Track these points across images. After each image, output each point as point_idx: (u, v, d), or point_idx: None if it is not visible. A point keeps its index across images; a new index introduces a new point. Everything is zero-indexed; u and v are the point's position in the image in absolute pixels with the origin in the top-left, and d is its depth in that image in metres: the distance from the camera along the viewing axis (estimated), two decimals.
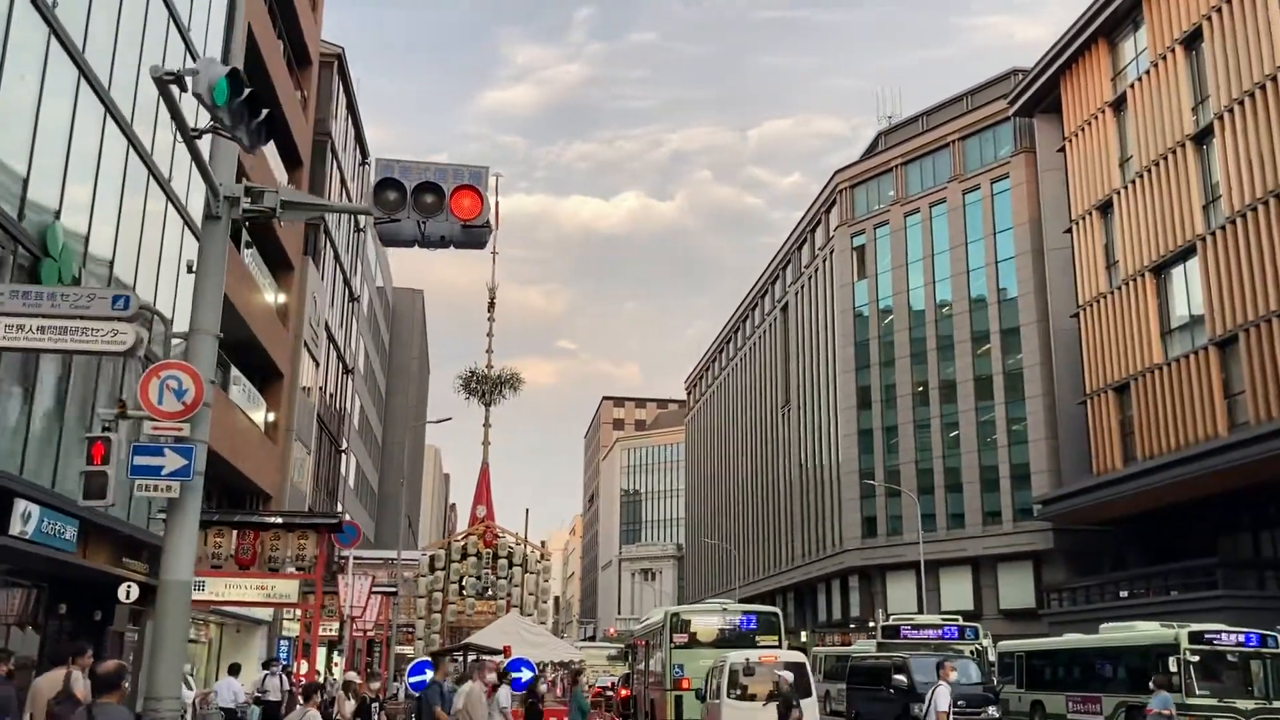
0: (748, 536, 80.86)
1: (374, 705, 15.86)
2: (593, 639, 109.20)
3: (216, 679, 25.30)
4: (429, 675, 16.98)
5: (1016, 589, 49.71)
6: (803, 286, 69.86)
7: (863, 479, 56.61)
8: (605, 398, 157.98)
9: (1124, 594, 41.00)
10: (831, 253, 63.54)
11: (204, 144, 9.73)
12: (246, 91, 8.55)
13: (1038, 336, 49.86)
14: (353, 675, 19.49)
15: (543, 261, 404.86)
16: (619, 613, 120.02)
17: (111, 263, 17.41)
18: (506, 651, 20.16)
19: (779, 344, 74.91)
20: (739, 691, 18.40)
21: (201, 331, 9.77)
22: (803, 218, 70.96)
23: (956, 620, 27.42)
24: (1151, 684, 19.89)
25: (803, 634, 64.39)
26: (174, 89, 8.26)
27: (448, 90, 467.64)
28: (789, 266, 74.18)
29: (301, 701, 12.47)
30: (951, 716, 13.24)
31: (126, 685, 7.14)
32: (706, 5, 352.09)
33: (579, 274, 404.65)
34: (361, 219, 38.08)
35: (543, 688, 19.22)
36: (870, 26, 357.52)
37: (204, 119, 8.54)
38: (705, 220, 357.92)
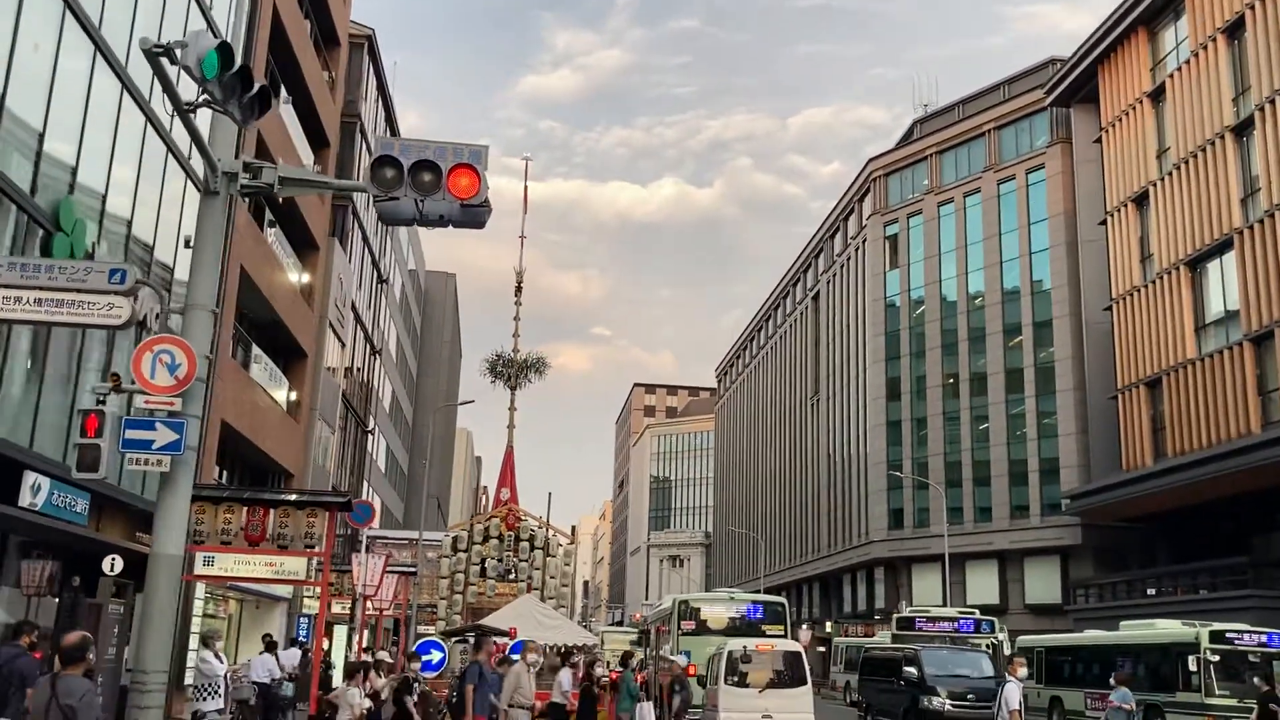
0: (775, 525, 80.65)
1: (415, 685, 15.95)
2: (620, 624, 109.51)
3: (237, 654, 25.65)
4: (436, 656, 17.04)
5: (1043, 584, 49.20)
6: (834, 275, 69.38)
7: (890, 470, 56.21)
8: (636, 384, 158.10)
9: (1151, 591, 40.49)
10: (864, 242, 63.02)
11: (205, 120, 9.74)
12: (238, 65, 8.50)
13: (1070, 330, 49.20)
14: (384, 655, 19.68)
15: (579, 247, 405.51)
16: (646, 598, 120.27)
17: (127, 239, 17.53)
18: (512, 633, 20.22)
19: (809, 333, 74.48)
20: (737, 678, 18.68)
21: (197, 306, 9.73)
22: (836, 206, 70.43)
23: (973, 613, 27.16)
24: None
25: (827, 624, 64.18)
26: (165, 61, 8.22)
27: (487, 74, 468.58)
28: (821, 255, 73.69)
29: (345, 680, 12.77)
30: (1023, 714, 13.09)
31: (91, 657, 7.15)
32: None
33: (615, 260, 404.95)
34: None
35: (599, 670, 19.20)
36: (914, 15, 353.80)
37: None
38: (744, 208, 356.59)
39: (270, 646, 19.36)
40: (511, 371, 45.94)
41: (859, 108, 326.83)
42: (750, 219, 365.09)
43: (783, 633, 22.40)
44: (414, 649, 18.01)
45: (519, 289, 47.09)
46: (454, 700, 14.53)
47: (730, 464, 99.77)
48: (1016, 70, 57.86)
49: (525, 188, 41.40)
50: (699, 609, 23.41)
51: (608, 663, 44.86)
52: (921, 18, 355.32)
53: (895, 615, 28.59)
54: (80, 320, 9.73)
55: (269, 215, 27.34)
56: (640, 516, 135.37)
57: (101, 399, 9.49)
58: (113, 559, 15.09)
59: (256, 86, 8.94)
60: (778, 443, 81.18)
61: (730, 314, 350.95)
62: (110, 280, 9.62)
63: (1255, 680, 21.46)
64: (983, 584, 51.43)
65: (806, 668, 18.65)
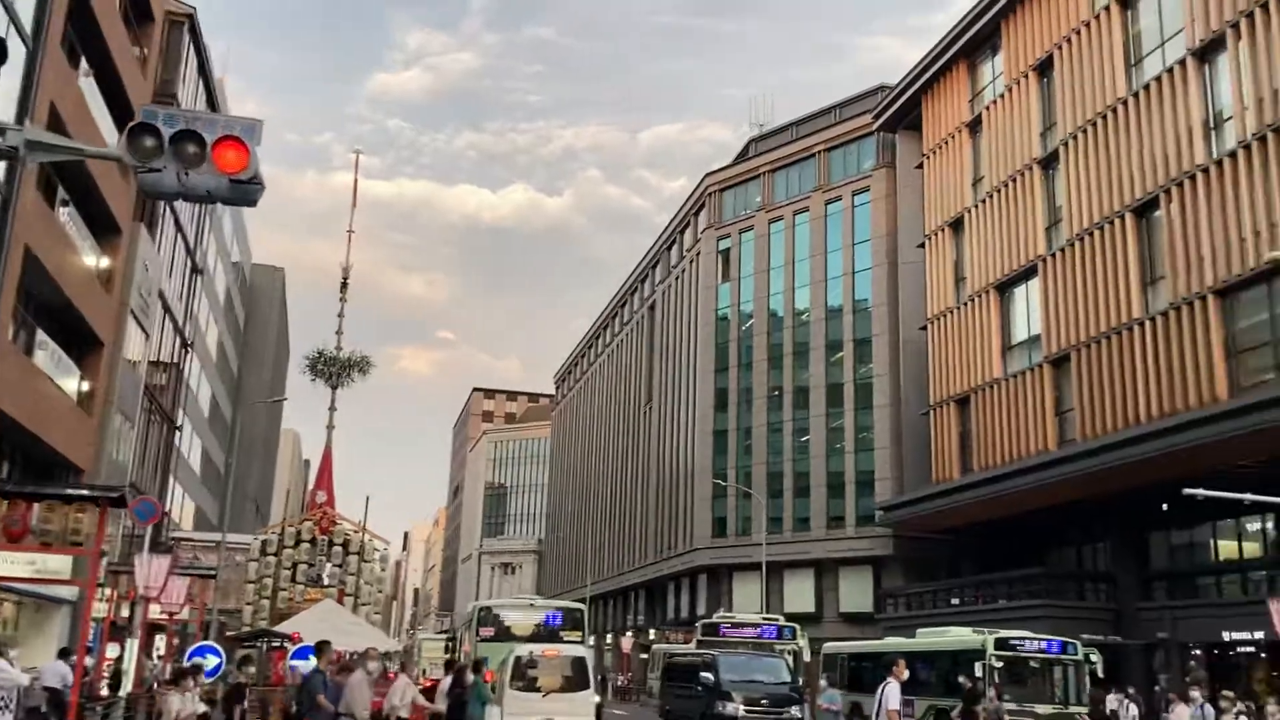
0: (605, 533, 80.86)
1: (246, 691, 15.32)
2: (445, 632, 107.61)
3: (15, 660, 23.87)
4: (212, 661, 16.26)
5: (856, 592, 50.76)
6: (670, 286, 70.19)
7: (715, 479, 57.09)
8: (476, 389, 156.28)
9: (955, 601, 42.23)
10: (698, 255, 63.96)
11: None
12: None
13: (888, 347, 51.03)
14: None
15: (425, 249, 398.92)
16: None
17: None
18: (295, 638, 19.49)
19: (644, 342, 75.10)
20: (523, 683, 18.75)
21: None
22: (673, 219, 71.29)
23: (777, 620, 27.78)
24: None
25: (651, 631, 64.66)
26: None
27: (336, 69, 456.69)
28: (658, 266, 74.45)
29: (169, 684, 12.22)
30: (901, 715, 13.20)
31: None
32: (604, 5, 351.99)
33: (463, 264, 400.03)
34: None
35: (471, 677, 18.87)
36: (767, 39, 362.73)
37: None
38: (593, 219, 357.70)
39: (63, 653, 18.47)
40: (333, 370, 44.67)
41: (708, 125, 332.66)
42: (599, 229, 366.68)
43: (580, 639, 22.50)
44: (189, 654, 17.20)
45: (344, 285, 46.00)
46: (296, 711, 14.14)
47: (564, 471, 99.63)
48: (849, 95, 59.79)
49: (355, 180, 40.36)
50: (499, 615, 23.29)
51: (424, 670, 43.94)
52: (773, 42, 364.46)
53: (701, 622, 28.94)
54: None
55: (61, 193, 25.67)
56: (474, 523, 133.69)
57: None
58: None
59: None
60: (611, 450, 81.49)
61: (577, 322, 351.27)
62: None
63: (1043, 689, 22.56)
64: (800, 592, 52.71)
65: (591, 673, 18.83)
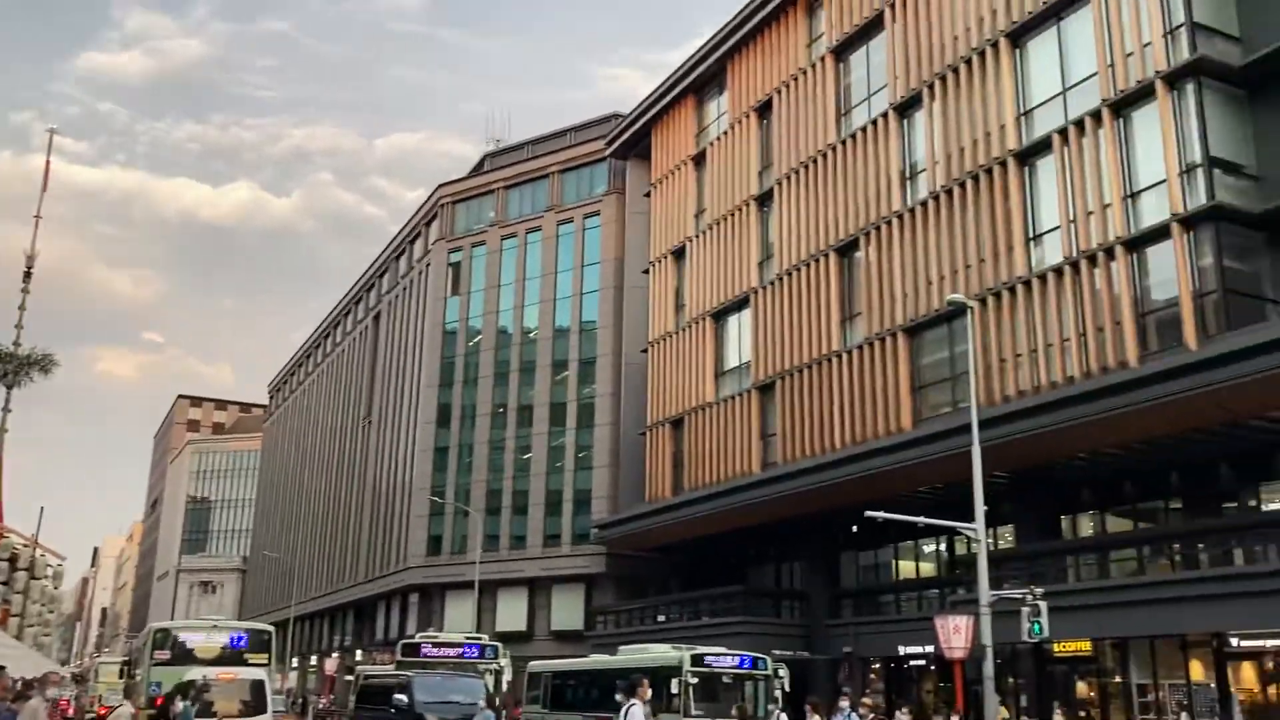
0: (315, 551, 77.60)
1: None
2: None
3: None
4: None
5: (568, 610, 51.14)
6: (397, 297, 68.58)
7: (434, 496, 56.08)
8: (181, 396, 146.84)
9: (662, 618, 43.31)
10: (428, 266, 62.85)
11: None
12: None
13: (611, 368, 51.95)
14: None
15: (135, 243, 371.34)
16: None
17: None
18: None
19: (368, 354, 72.91)
20: (199, 707, 17.58)
21: None
22: (404, 227, 69.76)
23: (480, 639, 27.48)
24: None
25: (359, 652, 62.53)
26: None
27: (40, 44, 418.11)
28: (386, 275, 72.61)
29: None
30: None
31: None
32: (344, 5, 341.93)
33: (176, 262, 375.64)
34: None
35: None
36: (511, 58, 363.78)
37: None
38: (323, 224, 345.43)
39: None
40: (9, 368, 40.43)
41: (449, 138, 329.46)
42: (330, 235, 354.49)
43: (267, 661, 21.33)
44: None
45: (28, 275, 41.80)
46: None
47: (275, 485, 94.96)
48: (585, 119, 60.69)
49: (47, 162, 36.62)
50: (178, 637, 21.74)
51: (100, 696, 40.36)
52: (518, 61, 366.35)
53: (402, 641, 28.19)
54: None
55: None
56: (173, 538, 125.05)
57: None
58: None
59: None
60: (326, 465, 78.42)
61: (301, 330, 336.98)
62: None
63: (737, 702, 23.36)
64: (513, 611, 52.54)
65: (269, 696, 17.93)
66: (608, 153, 53.90)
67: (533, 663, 31.67)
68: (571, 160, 56.96)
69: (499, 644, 27.35)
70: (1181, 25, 25.90)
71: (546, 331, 55.25)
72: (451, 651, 26.38)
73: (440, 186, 63.36)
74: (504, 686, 25.99)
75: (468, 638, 27.51)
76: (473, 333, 58.57)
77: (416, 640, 28.08)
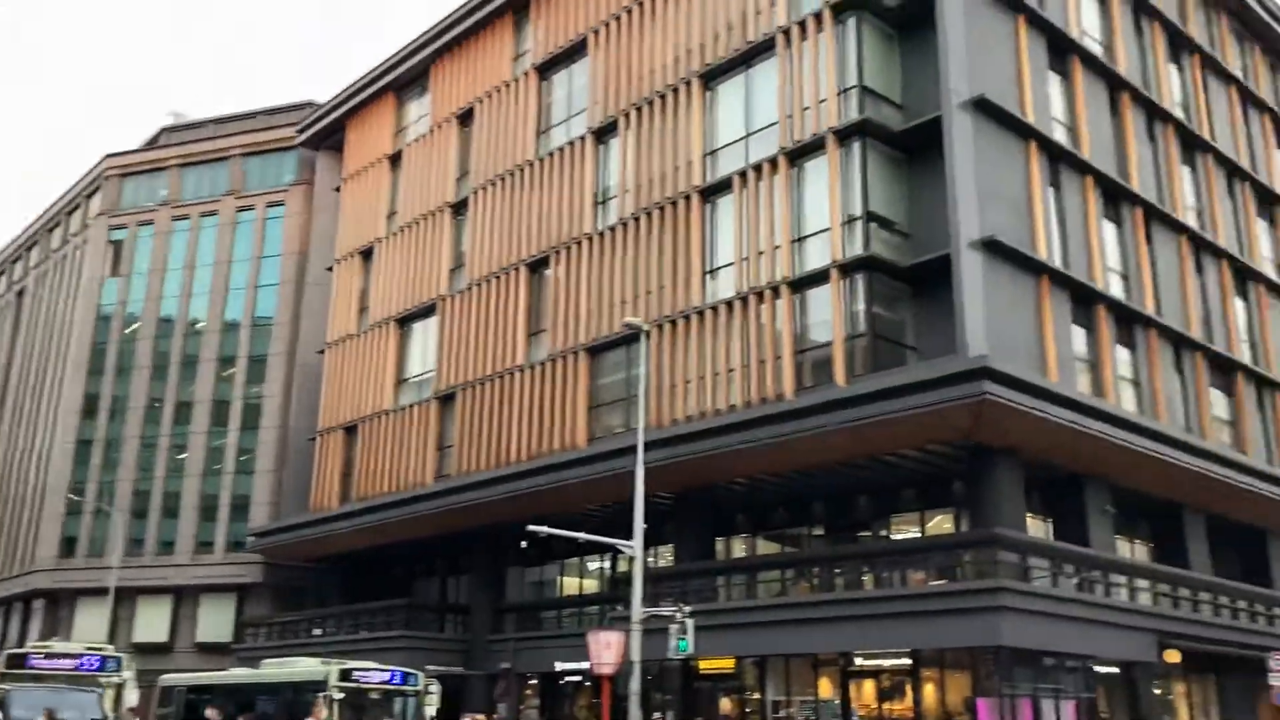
0: None
1: None
2: None
3: None
4: None
5: (217, 622, 47.91)
6: (46, 274, 62.06)
7: (72, 494, 50.95)
8: None
9: (318, 631, 41.44)
10: (85, 243, 57.28)
11: None
12: None
13: (284, 368, 49.41)
14: None
15: None
16: None
17: None
18: None
19: (7, 333, 65.46)
20: None
21: None
22: (60, 198, 63.24)
23: (102, 650, 24.97)
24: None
25: None
26: None
27: None
28: (35, 249, 65.58)
29: None
30: None
31: None
32: None
33: None
34: None
35: None
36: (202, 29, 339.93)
37: None
38: None
39: None
40: None
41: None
42: None
43: None
44: None
45: None
46: None
47: None
48: (278, 104, 57.65)
49: None
50: None
51: None
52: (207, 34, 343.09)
53: (7, 652, 25.17)
54: None
55: None
56: None
57: None
58: None
59: None
60: None
61: None
62: None
63: (384, 718, 22.57)
64: (154, 620, 48.57)
65: None
66: (298, 141, 51.40)
67: (164, 676, 29.30)
68: (257, 145, 53.86)
69: (124, 655, 24.97)
70: (853, 87, 27.97)
71: (215, 324, 51.75)
72: (67, 664, 23.74)
73: (107, 157, 58.04)
74: (133, 702, 23.74)
75: (88, 648, 24.93)
76: (131, 319, 53.87)
77: (24, 651, 25.12)
